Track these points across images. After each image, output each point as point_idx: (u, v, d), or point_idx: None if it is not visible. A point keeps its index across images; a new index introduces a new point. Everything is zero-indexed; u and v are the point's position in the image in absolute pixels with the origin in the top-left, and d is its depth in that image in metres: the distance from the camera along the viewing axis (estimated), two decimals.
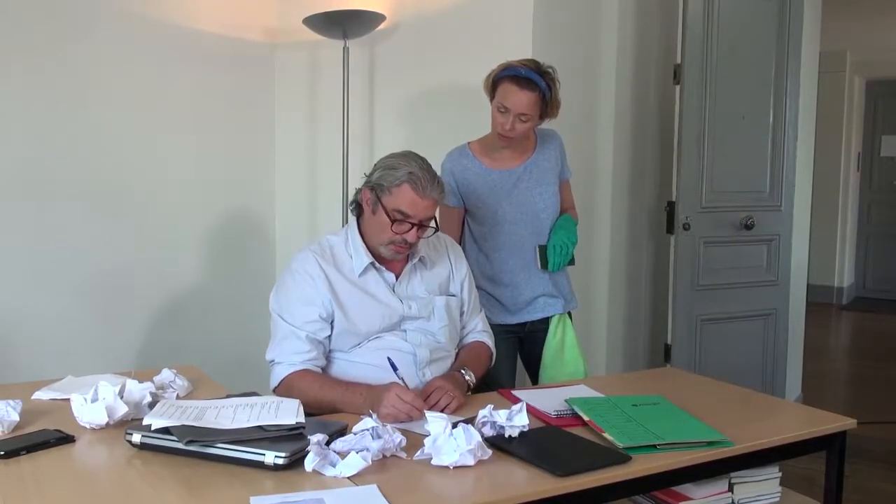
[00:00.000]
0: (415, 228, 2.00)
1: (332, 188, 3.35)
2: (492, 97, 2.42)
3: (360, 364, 2.03)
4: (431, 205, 2.01)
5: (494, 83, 2.40)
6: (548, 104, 2.39)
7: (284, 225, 3.67)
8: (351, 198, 2.16)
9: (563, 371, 2.52)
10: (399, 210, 1.99)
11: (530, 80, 2.33)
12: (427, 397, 1.89)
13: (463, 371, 2.06)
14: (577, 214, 2.67)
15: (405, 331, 2.08)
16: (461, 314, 2.23)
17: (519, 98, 2.34)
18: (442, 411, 1.80)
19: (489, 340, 2.28)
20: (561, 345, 2.54)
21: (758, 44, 3.50)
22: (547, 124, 2.54)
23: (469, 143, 2.57)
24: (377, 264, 2.09)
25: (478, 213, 2.52)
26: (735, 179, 3.50)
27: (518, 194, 2.51)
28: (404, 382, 1.85)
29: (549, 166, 2.55)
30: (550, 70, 2.41)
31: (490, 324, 2.36)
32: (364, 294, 2.06)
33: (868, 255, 8.15)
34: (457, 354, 2.19)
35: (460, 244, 2.47)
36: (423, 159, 2.05)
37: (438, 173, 2.09)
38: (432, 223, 2.05)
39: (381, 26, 3.21)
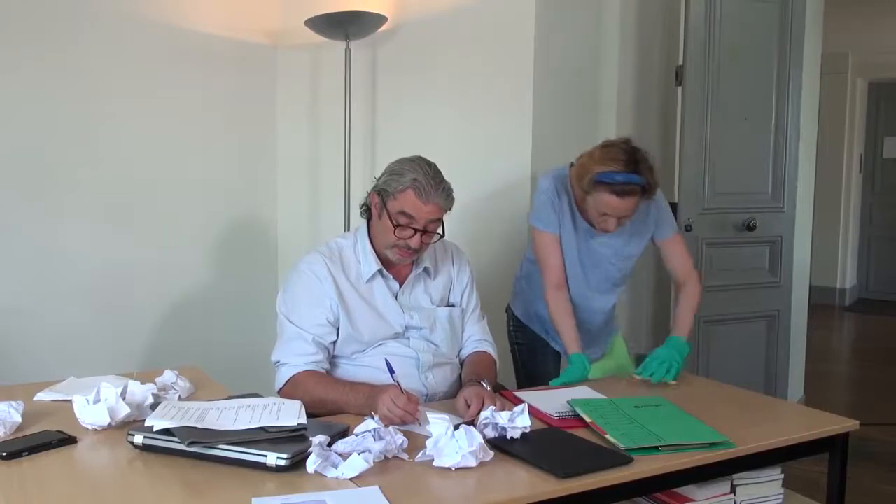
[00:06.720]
0: (418, 234, 1.99)
1: (335, 190, 3.35)
2: (585, 191, 2.23)
3: (363, 367, 2.04)
4: (434, 210, 1.99)
5: (589, 185, 2.20)
6: (648, 192, 2.20)
7: (286, 226, 3.67)
8: (361, 200, 2.15)
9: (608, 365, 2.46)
10: (403, 212, 1.98)
11: (629, 184, 2.14)
12: (469, 407, 1.83)
13: (484, 382, 1.96)
14: (693, 313, 2.36)
15: (408, 338, 2.09)
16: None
17: (621, 205, 2.17)
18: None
19: (492, 349, 2.24)
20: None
21: (760, 45, 3.50)
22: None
23: (571, 175, 2.33)
24: (385, 272, 2.09)
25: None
26: (737, 181, 3.49)
27: (598, 248, 2.40)
28: (399, 384, 1.85)
29: (638, 226, 2.39)
30: (645, 154, 2.20)
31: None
32: (368, 303, 2.07)
33: (870, 257, 8.14)
34: (463, 363, 2.18)
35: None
36: (430, 164, 2.03)
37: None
38: (438, 230, 2.04)
39: (383, 28, 3.21)
